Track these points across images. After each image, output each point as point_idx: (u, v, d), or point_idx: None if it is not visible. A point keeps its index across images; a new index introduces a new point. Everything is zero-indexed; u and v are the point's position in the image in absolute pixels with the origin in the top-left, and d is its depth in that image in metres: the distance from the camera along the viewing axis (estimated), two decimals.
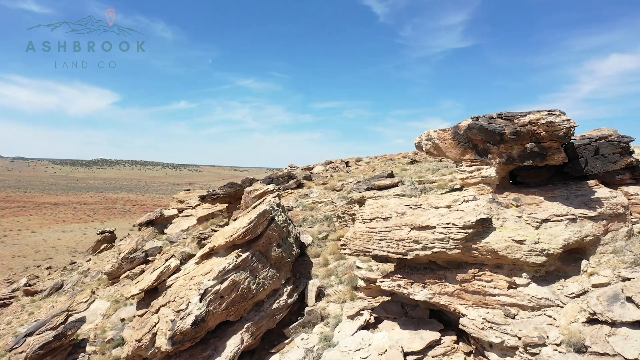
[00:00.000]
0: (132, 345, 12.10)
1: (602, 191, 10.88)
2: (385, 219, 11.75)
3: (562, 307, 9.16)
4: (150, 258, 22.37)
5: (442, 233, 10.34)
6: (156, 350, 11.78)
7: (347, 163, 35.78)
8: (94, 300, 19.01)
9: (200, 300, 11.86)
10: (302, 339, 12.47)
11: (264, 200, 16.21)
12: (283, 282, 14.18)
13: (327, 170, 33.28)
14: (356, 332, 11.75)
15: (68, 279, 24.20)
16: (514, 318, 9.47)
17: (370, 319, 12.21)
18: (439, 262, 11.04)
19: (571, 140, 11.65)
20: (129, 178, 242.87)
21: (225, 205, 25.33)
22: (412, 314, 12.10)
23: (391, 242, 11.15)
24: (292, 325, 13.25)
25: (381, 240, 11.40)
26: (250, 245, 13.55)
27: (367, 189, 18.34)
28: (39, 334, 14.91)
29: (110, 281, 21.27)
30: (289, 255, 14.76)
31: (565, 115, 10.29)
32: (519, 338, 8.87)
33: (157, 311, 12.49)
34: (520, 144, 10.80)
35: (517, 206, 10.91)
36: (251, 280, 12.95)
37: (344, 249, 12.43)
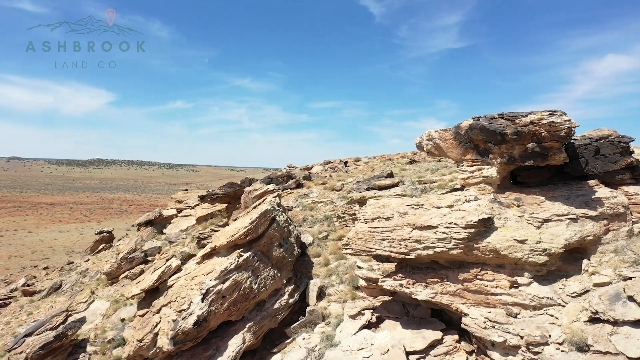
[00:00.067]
0: (133, 345, 12.09)
1: (602, 191, 10.95)
2: (387, 218, 11.78)
3: (564, 307, 9.22)
4: (149, 258, 22.32)
5: (444, 233, 10.38)
6: (158, 350, 11.77)
7: (345, 163, 35.82)
8: (93, 301, 18.96)
9: (202, 300, 11.86)
10: (303, 339, 12.48)
11: (264, 200, 16.21)
12: (284, 281, 14.20)
13: (325, 170, 33.31)
14: (358, 331, 11.78)
15: (67, 279, 24.12)
16: (516, 317, 9.52)
17: (372, 318, 12.24)
18: (440, 261, 11.08)
19: (571, 141, 11.71)
20: (126, 178, 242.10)
21: (224, 205, 25.31)
22: (414, 314, 12.15)
23: (393, 242, 11.18)
24: (294, 325, 13.27)
25: (383, 240, 11.43)
26: (251, 245, 13.56)
27: (367, 189, 18.37)
28: (38, 334, 14.87)
29: (110, 281, 21.21)
30: (290, 255, 14.78)
31: (566, 115, 10.35)
32: (521, 337, 8.93)
33: (158, 311, 12.48)
34: (522, 144, 10.85)
35: (518, 206, 10.96)
36: (253, 280, 12.96)
37: (346, 249, 12.46)
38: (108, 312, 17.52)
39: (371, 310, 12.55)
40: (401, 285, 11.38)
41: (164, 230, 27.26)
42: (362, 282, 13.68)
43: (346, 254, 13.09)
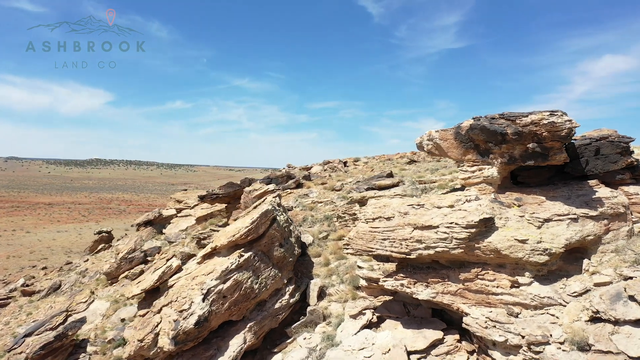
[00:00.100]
0: (134, 345, 12.08)
1: (602, 191, 10.99)
2: (388, 218, 11.80)
3: (565, 306, 9.25)
4: (149, 258, 22.31)
5: (445, 233, 10.40)
6: (159, 350, 11.77)
7: (345, 163, 35.84)
8: (93, 301, 18.93)
9: (203, 300, 11.86)
10: (304, 339, 12.48)
11: (264, 200, 16.21)
12: (285, 281, 14.21)
13: (325, 170, 33.33)
14: (359, 331, 11.79)
15: (66, 279, 24.08)
16: (517, 317, 9.55)
17: (372, 318, 12.26)
18: (441, 261, 11.10)
19: (572, 141, 11.74)
20: (124, 178, 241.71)
21: (224, 205, 25.30)
22: (415, 313, 12.17)
23: (394, 242, 11.20)
24: (295, 324, 13.27)
25: (384, 239, 11.45)
26: (252, 245, 13.56)
27: (367, 189, 18.39)
28: (38, 335, 14.84)
29: (109, 281, 21.19)
30: (291, 255, 14.78)
31: (567, 115, 10.37)
32: (523, 337, 8.95)
33: (159, 311, 12.47)
34: (522, 144, 10.88)
35: (519, 206, 10.99)
36: (254, 280, 12.96)
37: (347, 249, 12.47)
38: (108, 312, 17.51)
39: (372, 310, 12.57)
40: (402, 285, 11.40)
41: (164, 230, 27.24)
42: (362, 282, 13.70)
43: (347, 253, 13.11)
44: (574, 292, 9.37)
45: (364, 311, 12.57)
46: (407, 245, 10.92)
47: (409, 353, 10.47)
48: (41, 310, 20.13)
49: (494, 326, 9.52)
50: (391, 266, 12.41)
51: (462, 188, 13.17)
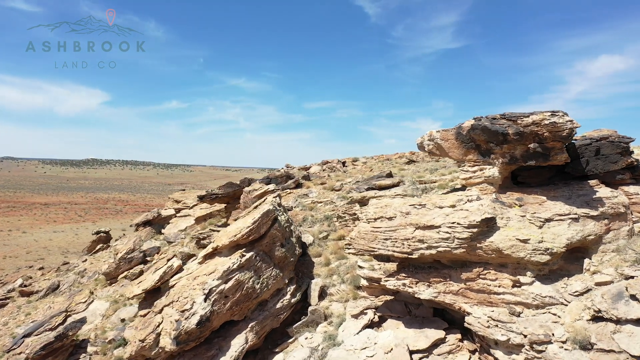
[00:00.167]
0: (135, 345, 12.07)
1: (603, 191, 11.06)
2: (390, 218, 11.83)
3: (567, 305, 9.32)
4: (148, 258, 22.25)
5: (447, 232, 10.45)
6: (160, 350, 11.76)
7: (343, 163, 35.86)
8: (92, 301, 18.87)
9: (205, 300, 11.85)
10: (306, 338, 12.50)
11: (265, 200, 16.20)
12: (286, 281, 14.22)
13: (324, 170, 33.34)
14: (361, 331, 11.83)
15: (64, 280, 23.99)
16: (519, 316, 9.61)
17: (374, 317, 12.30)
18: (443, 261, 11.15)
19: (572, 141, 11.81)
20: (120, 178, 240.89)
21: (223, 206, 25.25)
22: (416, 313, 12.21)
23: (396, 242, 11.24)
24: (296, 324, 13.28)
25: (386, 239, 11.48)
26: (254, 245, 13.56)
27: (367, 189, 18.42)
28: (37, 335, 14.78)
29: (108, 281, 21.12)
30: (292, 255, 14.79)
31: (568, 115, 10.44)
32: (525, 336, 9.01)
33: (160, 311, 12.46)
34: (524, 144, 10.93)
35: (520, 206, 11.04)
36: (255, 280, 12.96)
37: (349, 249, 12.50)
38: (108, 312, 17.46)
39: (373, 310, 12.60)
40: (404, 284, 11.43)
41: (163, 231, 27.18)
42: (363, 282, 13.73)
43: (349, 253, 13.14)
44: (576, 292, 9.43)
45: (365, 311, 12.60)
46: (409, 245, 10.96)
47: (411, 352, 10.51)
48: (40, 311, 20.04)
49: (496, 325, 9.57)
50: (392, 266, 12.44)
51: (463, 188, 13.23)
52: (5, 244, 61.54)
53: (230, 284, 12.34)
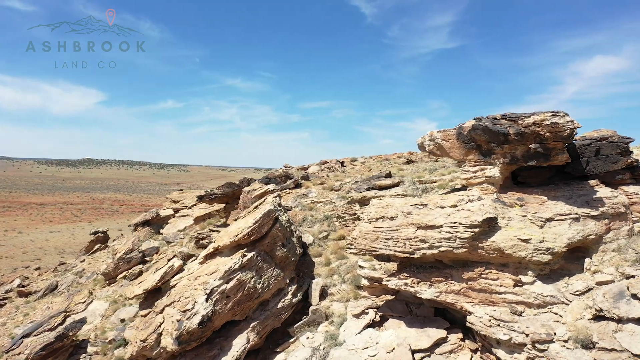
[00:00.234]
0: (136, 345, 12.05)
1: (603, 191, 11.14)
2: (391, 218, 11.87)
3: (568, 305, 9.37)
4: (147, 258, 22.22)
5: (448, 232, 10.50)
6: (161, 350, 11.74)
7: (342, 163, 35.88)
8: (91, 301, 18.81)
9: (207, 300, 11.84)
10: (307, 338, 12.51)
11: (265, 200, 16.19)
12: (287, 281, 14.23)
13: (322, 170, 33.36)
14: (362, 330, 11.86)
15: (63, 280, 23.90)
16: (520, 315, 9.66)
17: (375, 317, 12.32)
18: (445, 260, 11.19)
19: (572, 141, 11.89)
20: (116, 178, 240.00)
21: (222, 206, 25.24)
22: (418, 312, 12.25)
23: (398, 242, 11.27)
24: (297, 324, 13.30)
25: (388, 239, 11.52)
26: (255, 245, 13.56)
27: (367, 189, 18.45)
28: (36, 335, 14.73)
29: (107, 282, 21.07)
30: (293, 255, 14.80)
31: (568, 116, 10.50)
32: (527, 335, 9.06)
33: (161, 311, 12.45)
34: (524, 144, 10.99)
35: (521, 206, 11.10)
36: (257, 279, 12.96)
37: (350, 248, 12.53)
38: (107, 312, 17.41)
39: (375, 310, 12.63)
40: (406, 284, 11.47)
41: (161, 231, 27.12)
42: (364, 282, 13.76)
43: (350, 253, 13.16)
44: (577, 291, 9.50)
45: (366, 310, 12.63)
46: (411, 245, 11.00)
47: (413, 352, 10.54)
48: (38, 311, 19.96)
49: (498, 325, 9.62)
50: (392, 266, 12.48)
51: (463, 188, 13.29)
52: (1, 244, 61.21)
53: (231, 283, 12.34)
